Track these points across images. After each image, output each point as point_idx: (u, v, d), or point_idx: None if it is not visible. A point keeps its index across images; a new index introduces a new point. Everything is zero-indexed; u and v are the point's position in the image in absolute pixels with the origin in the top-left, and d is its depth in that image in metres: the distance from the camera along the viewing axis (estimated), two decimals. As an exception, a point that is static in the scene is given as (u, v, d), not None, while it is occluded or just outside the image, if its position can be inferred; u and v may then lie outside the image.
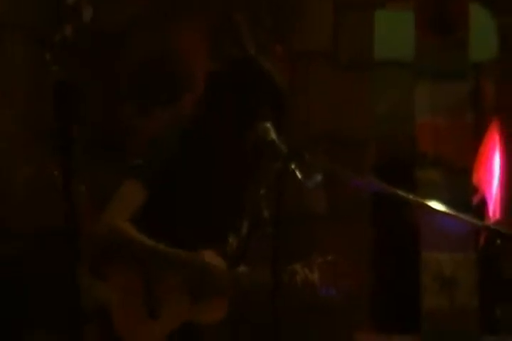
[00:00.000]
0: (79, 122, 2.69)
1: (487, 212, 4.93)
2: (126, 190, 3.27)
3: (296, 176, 2.71)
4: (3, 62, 4.86)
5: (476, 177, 4.92)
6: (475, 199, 4.86)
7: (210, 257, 3.24)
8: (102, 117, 4.76)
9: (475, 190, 4.88)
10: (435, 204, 2.82)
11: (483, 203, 4.93)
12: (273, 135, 2.83)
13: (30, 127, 4.82)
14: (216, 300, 3.20)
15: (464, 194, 4.69)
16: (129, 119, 4.78)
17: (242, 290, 3.25)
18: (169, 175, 3.25)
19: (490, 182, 4.99)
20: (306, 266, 3.22)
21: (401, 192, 2.83)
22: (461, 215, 3.01)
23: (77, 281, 2.76)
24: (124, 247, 3.26)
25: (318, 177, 3.30)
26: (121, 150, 4.55)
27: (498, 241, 3.34)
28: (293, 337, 3.19)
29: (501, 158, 4.91)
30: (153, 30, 4.85)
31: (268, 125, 2.88)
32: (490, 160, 4.98)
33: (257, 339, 3.64)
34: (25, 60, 4.83)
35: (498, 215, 4.87)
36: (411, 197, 2.89)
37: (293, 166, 2.73)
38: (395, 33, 4.93)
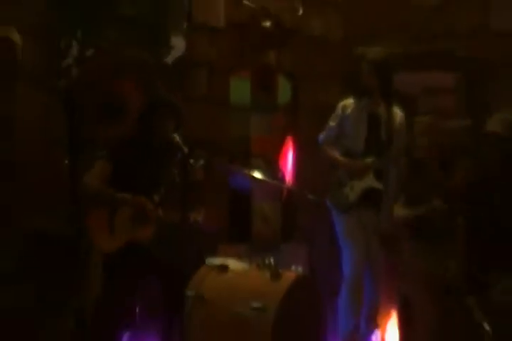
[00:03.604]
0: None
1: (285, 181, 6.10)
2: (98, 165, 4.25)
3: (190, 161, 3.95)
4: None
5: (281, 164, 6.26)
6: (280, 175, 6.20)
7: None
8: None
9: (280, 170, 6.24)
10: (260, 175, 4.61)
11: (283, 176, 6.18)
12: (178, 139, 4.08)
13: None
14: (147, 226, 4.23)
15: (275, 172, 6.18)
16: (96, 131, 5.68)
17: (160, 224, 4.17)
18: (122, 159, 4.25)
19: (286, 167, 6.22)
20: (196, 214, 4.16)
21: (245, 171, 4.59)
22: (274, 182, 4.85)
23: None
24: (96, 195, 4.16)
25: (201, 162, 4.77)
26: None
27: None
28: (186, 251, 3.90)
29: (292, 155, 6.27)
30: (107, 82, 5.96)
31: (176, 135, 4.16)
32: (286, 155, 6.30)
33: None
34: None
35: (290, 183, 6.05)
36: (249, 172, 4.53)
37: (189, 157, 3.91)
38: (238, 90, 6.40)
